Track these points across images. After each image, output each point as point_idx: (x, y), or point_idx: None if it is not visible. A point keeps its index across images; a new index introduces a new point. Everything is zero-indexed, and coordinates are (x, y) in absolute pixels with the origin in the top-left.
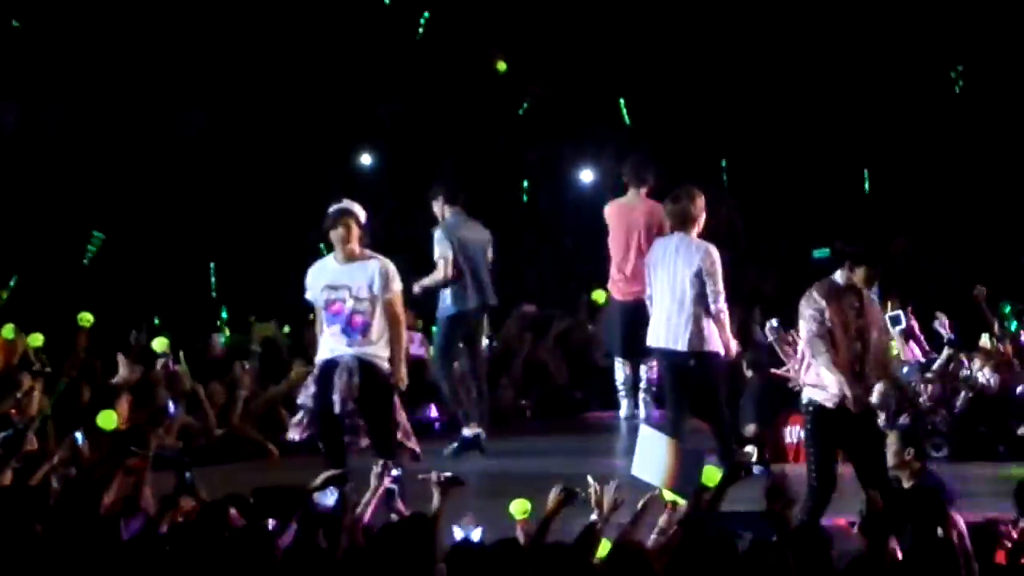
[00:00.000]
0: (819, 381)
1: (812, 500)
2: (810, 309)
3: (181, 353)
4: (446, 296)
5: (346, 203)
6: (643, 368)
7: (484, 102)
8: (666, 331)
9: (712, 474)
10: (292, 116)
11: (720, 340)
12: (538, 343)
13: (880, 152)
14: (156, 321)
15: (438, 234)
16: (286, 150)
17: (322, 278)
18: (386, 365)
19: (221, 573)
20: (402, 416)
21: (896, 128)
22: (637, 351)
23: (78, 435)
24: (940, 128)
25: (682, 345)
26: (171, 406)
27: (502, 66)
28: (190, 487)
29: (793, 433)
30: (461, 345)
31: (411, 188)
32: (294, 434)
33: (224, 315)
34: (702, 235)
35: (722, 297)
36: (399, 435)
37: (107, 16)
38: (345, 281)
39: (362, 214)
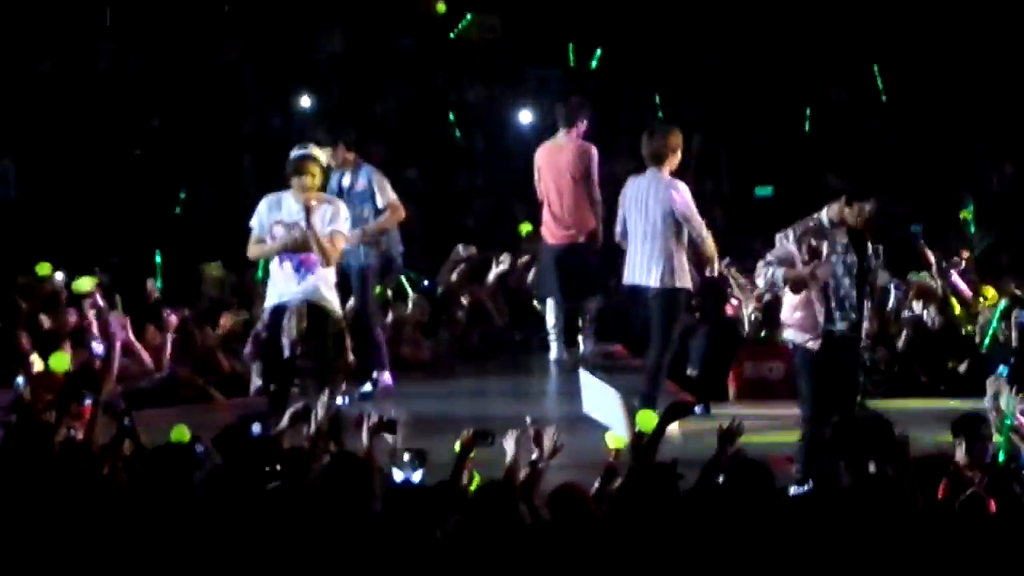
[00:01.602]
0: (799, 322)
1: (811, 430)
2: (779, 245)
3: (118, 298)
4: (382, 242)
5: (310, 147)
6: (588, 308)
7: (422, 42)
8: (639, 269)
9: (646, 418)
10: (229, 57)
11: (681, 274)
12: (478, 284)
13: (820, 91)
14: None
15: (381, 179)
16: (224, 93)
17: (276, 213)
18: (335, 306)
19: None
20: (350, 356)
21: (837, 66)
22: (572, 295)
23: (19, 380)
24: (880, 66)
25: (654, 281)
26: (95, 347)
27: (441, 7)
28: (131, 432)
29: (754, 368)
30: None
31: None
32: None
33: (159, 259)
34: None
35: (702, 227)
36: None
37: None
38: (300, 220)
39: (323, 157)
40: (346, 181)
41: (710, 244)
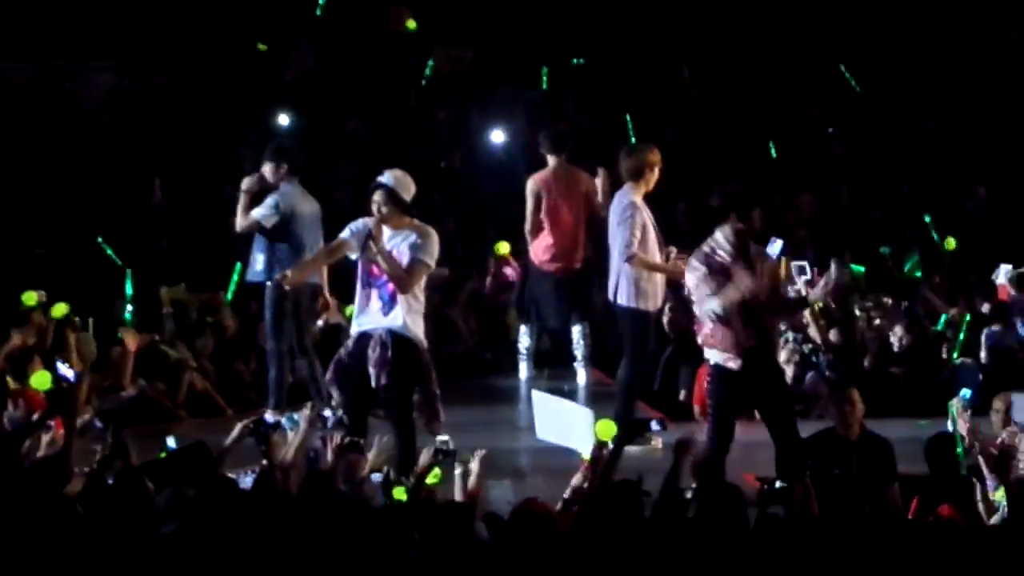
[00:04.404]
0: (718, 342)
1: (711, 454)
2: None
3: (90, 320)
4: (258, 262)
5: (383, 177)
6: (576, 332)
7: (394, 60)
8: (609, 285)
9: (605, 427)
10: (205, 76)
11: (638, 294)
12: (448, 304)
13: (785, 118)
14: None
15: (272, 200)
16: (201, 112)
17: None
18: (420, 338)
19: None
20: (435, 385)
21: (801, 93)
22: (566, 319)
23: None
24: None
25: (615, 297)
26: (62, 370)
27: (411, 24)
28: (124, 449)
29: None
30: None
31: (323, 147)
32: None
33: (129, 282)
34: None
35: (631, 246)
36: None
37: None
38: (386, 246)
39: (402, 186)
40: None
41: (634, 270)
